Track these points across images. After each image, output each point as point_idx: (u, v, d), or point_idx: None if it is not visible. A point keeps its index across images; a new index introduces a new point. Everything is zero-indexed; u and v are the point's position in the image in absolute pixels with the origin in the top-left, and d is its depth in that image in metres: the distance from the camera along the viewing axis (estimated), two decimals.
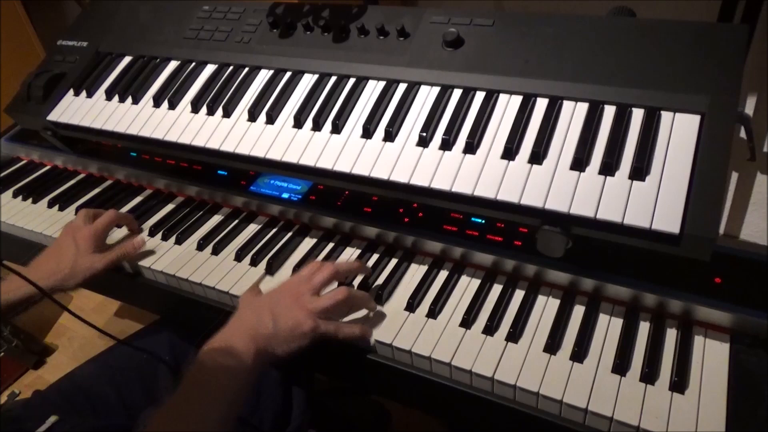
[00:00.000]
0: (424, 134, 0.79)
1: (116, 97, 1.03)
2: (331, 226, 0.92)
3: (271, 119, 0.89)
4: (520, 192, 0.71)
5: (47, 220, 1.07)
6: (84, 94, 1.06)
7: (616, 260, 0.74)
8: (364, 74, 0.89)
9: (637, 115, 0.73)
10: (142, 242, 0.94)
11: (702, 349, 0.69)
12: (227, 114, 0.93)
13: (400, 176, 0.77)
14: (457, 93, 0.83)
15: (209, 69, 1.01)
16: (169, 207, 1.05)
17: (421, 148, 0.79)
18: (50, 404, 0.86)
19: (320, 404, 1.25)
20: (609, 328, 0.73)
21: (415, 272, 0.84)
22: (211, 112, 0.94)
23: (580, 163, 0.71)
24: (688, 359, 0.68)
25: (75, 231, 0.91)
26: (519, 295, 0.78)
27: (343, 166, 0.81)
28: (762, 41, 0.98)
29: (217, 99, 0.95)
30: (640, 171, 0.68)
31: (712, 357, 0.68)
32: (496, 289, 0.79)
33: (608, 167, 0.69)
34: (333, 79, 0.91)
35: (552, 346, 0.70)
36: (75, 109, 1.05)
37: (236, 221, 0.98)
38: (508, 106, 0.79)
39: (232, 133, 0.90)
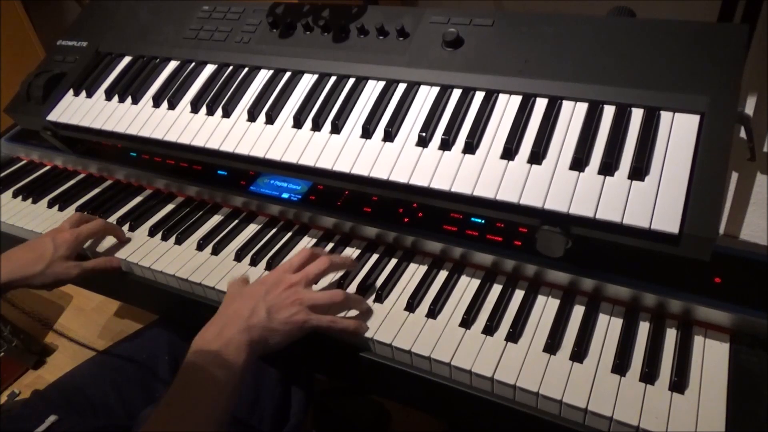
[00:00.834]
0: (424, 134, 0.79)
1: (116, 97, 1.03)
2: (330, 226, 0.92)
3: (270, 119, 0.89)
4: (520, 192, 0.71)
5: (47, 220, 1.06)
6: (84, 94, 1.06)
7: (615, 260, 0.74)
8: (364, 74, 0.89)
9: (637, 114, 0.73)
10: (119, 263, 0.94)
11: (702, 349, 0.69)
12: (227, 114, 0.93)
13: (400, 176, 0.77)
14: (456, 93, 0.83)
15: (209, 69, 1.01)
16: (169, 207, 1.05)
17: (420, 148, 0.79)
18: (49, 404, 0.85)
19: (320, 404, 1.25)
20: (609, 328, 0.73)
21: (415, 272, 0.84)
22: (210, 112, 0.94)
23: (579, 163, 0.71)
24: (688, 359, 0.68)
25: (57, 232, 0.91)
26: (519, 295, 0.78)
27: (342, 166, 0.81)
28: (762, 41, 0.98)
29: (217, 99, 0.95)
30: (639, 171, 0.68)
31: (712, 357, 0.68)
32: (496, 289, 0.79)
33: (608, 167, 0.69)
34: (333, 79, 0.91)
35: (552, 346, 0.70)
36: (75, 109, 1.05)
37: (236, 221, 0.98)
38: (507, 106, 0.79)
39: (232, 133, 0.90)
